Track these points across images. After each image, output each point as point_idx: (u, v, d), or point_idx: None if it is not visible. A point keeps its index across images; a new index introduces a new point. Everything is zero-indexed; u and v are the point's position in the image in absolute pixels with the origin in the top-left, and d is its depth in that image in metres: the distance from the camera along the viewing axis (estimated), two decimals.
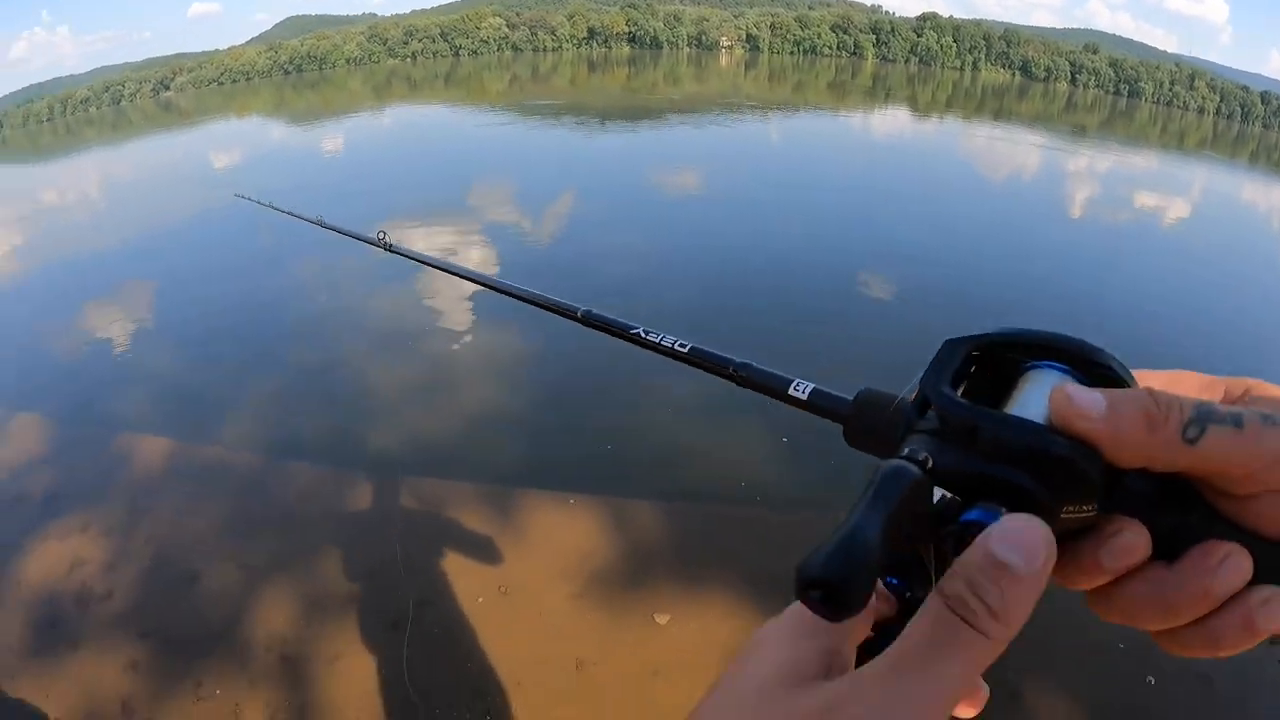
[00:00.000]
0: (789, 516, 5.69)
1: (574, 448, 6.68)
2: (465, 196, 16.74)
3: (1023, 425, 0.43)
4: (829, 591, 0.41)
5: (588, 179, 19.12)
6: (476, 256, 11.95)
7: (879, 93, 65.21)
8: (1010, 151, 29.52)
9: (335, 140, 34.79)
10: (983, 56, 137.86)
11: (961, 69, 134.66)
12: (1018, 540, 0.40)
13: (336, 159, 28.84)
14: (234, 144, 41.44)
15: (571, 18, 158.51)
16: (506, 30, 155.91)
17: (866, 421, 0.56)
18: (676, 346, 0.71)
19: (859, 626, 0.51)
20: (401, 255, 1.17)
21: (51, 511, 6.56)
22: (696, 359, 0.72)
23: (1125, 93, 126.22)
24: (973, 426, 0.44)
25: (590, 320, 0.80)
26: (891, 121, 39.14)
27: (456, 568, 5.18)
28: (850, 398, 0.59)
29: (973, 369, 0.51)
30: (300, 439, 7.23)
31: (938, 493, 0.45)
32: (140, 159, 44.16)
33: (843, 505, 0.41)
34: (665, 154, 23.78)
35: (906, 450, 0.45)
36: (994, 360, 0.50)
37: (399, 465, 6.52)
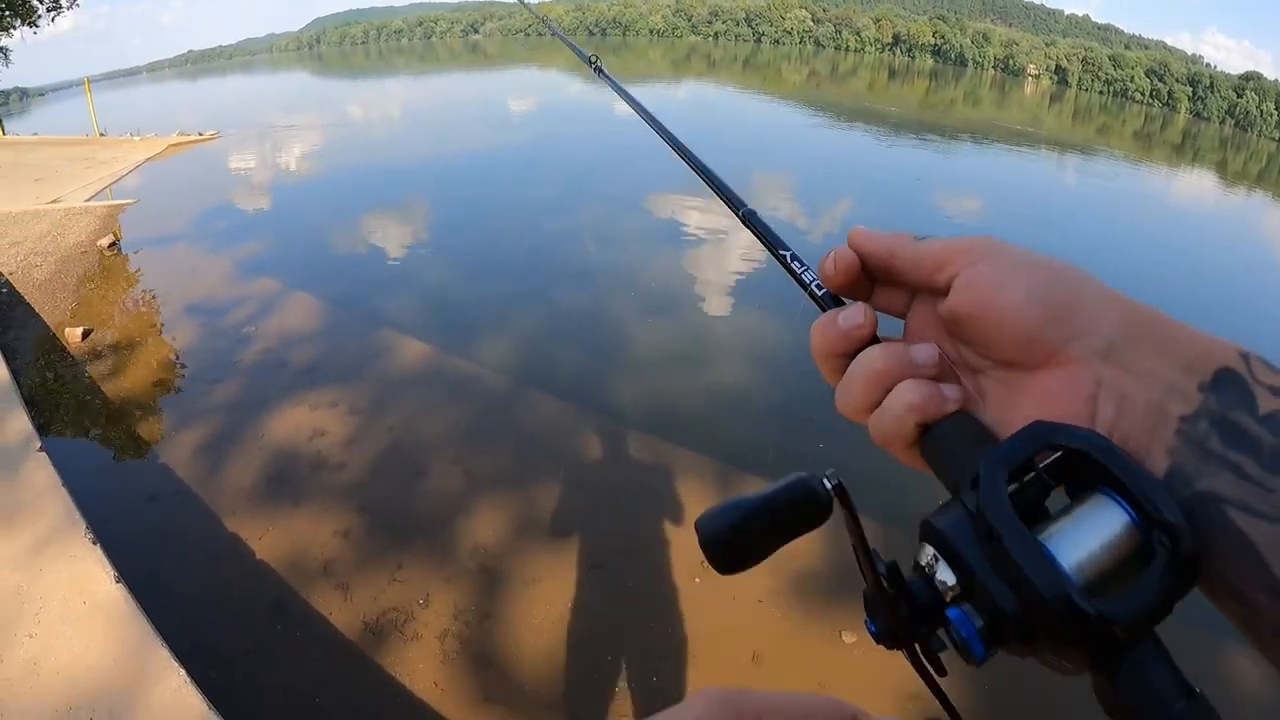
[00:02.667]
0: None
1: (794, 440, 6.48)
2: (747, 180, 16.59)
3: (1041, 565, 0.43)
4: (705, 544, 0.52)
5: (866, 187, 18.65)
6: (747, 239, 11.88)
7: (1187, 151, 60.80)
8: None
9: (627, 105, 35.52)
10: None
11: None
12: None
13: (626, 121, 29.44)
14: (531, 92, 43.00)
15: (878, 21, 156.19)
16: (811, 24, 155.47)
17: (944, 443, 0.54)
18: (814, 286, 0.64)
19: None
20: (607, 79, 1.12)
21: (307, 382, 6.95)
22: (817, 301, 0.65)
23: None
24: (999, 536, 0.44)
25: (748, 222, 0.75)
26: (1194, 185, 36.49)
27: (665, 531, 5.10)
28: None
29: (1060, 453, 0.48)
30: (549, 374, 7.33)
31: (947, 573, 0.47)
32: (443, 92, 46.46)
33: None
34: (949, 176, 22.95)
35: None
36: (1081, 458, 0.47)
37: (635, 420, 6.50)
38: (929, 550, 0.48)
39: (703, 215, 12.90)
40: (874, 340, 0.57)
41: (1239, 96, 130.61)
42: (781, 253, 0.67)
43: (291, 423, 6.25)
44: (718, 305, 9.22)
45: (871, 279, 0.60)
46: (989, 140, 34.31)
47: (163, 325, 8.43)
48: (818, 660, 4.18)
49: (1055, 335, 0.49)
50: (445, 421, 6.38)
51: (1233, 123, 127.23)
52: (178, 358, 7.58)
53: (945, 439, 0.53)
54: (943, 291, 0.55)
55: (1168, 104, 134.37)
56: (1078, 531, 0.45)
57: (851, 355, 0.57)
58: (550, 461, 5.89)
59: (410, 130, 27.09)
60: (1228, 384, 0.45)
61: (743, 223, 0.74)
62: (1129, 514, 0.44)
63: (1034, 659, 0.46)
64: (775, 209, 14.38)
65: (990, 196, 19.24)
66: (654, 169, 16.90)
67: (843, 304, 0.60)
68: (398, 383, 7.01)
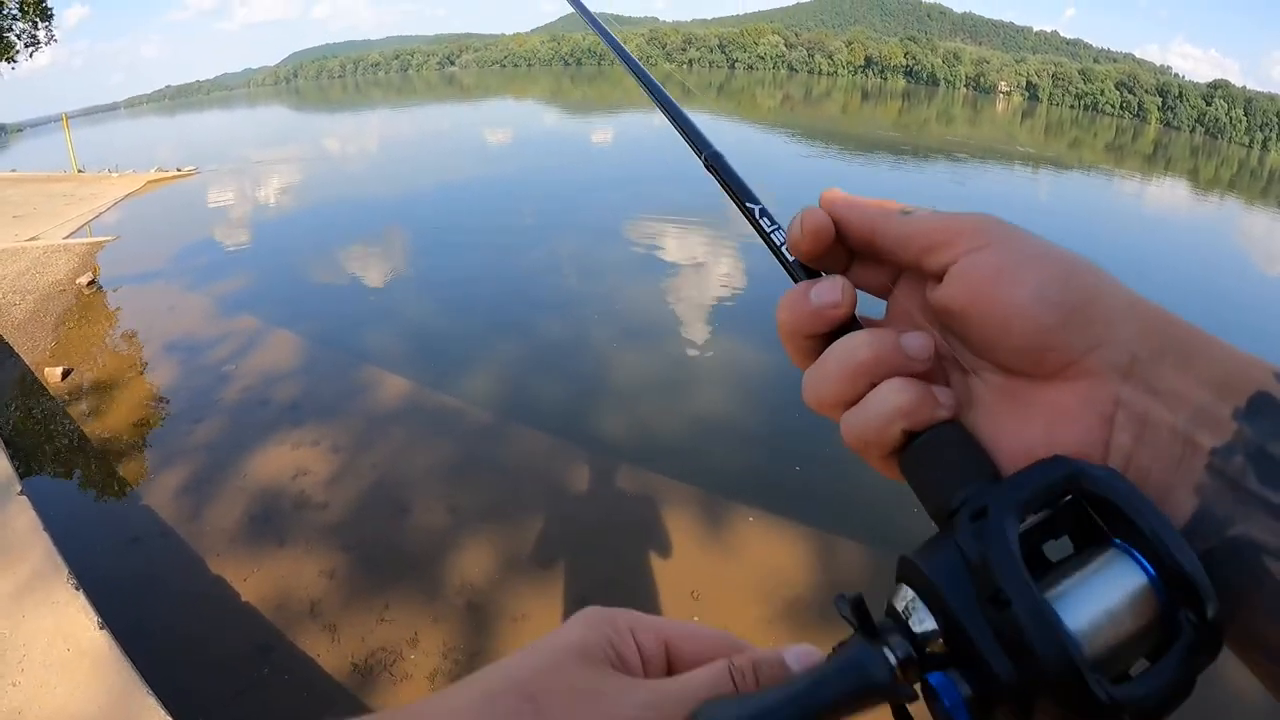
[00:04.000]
0: None
1: (779, 466, 6.46)
2: (723, 205, 16.55)
3: (1052, 639, 0.37)
4: None
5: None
6: (725, 267, 11.91)
7: (1158, 161, 61.23)
8: None
9: (605, 133, 35.64)
10: (1274, 135, 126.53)
11: (1250, 146, 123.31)
12: (810, 663, 0.45)
13: (604, 150, 29.54)
14: (507, 123, 43.10)
15: (850, 44, 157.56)
16: (784, 49, 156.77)
17: (931, 459, 0.47)
18: (785, 250, 0.57)
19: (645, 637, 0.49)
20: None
21: (290, 420, 6.93)
22: (788, 267, 0.58)
23: None
24: (1006, 600, 0.38)
25: (711, 165, 0.68)
26: (1168, 195, 36.75)
27: (653, 560, 5.09)
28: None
29: (1069, 497, 0.43)
30: (532, 407, 7.31)
31: (927, 621, 0.41)
32: (419, 124, 46.56)
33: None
34: (925, 196, 23.02)
35: (887, 644, 0.41)
36: (1098, 504, 0.42)
37: (617, 451, 6.48)
38: (908, 593, 0.42)
39: (680, 244, 12.94)
40: (853, 322, 0.51)
41: (1208, 105, 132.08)
42: (750, 206, 0.61)
43: (274, 462, 6.22)
44: (698, 333, 9.23)
45: (850, 250, 0.54)
46: (963, 158, 34.55)
47: (143, 364, 8.39)
48: None
49: (1071, 343, 0.43)
50: (429, 458, 6.36)
51: (1203, 130, 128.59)
52: (158, 397, 7.55)
53: (932, 453, 0.47)
54: (935, 277, 0.48)
55: (1138, 115, 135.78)
56: (1090, 594, 0.39)
57: (824, 337, 0.51)
58: (535, 495, 5.87)
59: (389, 163, 27.13)
60: (1264, 411, 0.39)
61: (705, 167, 0.67)
62: (1149, 575, 0.39)
63: None
64: (748, 232, 14.41)
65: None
66: (629, 197, 16.99)
67: (818, 275, 0.53)
68: (380, 419, 6.99)
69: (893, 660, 0.40)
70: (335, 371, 8.09)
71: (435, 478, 6.06)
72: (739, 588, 4.82)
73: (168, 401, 7.45)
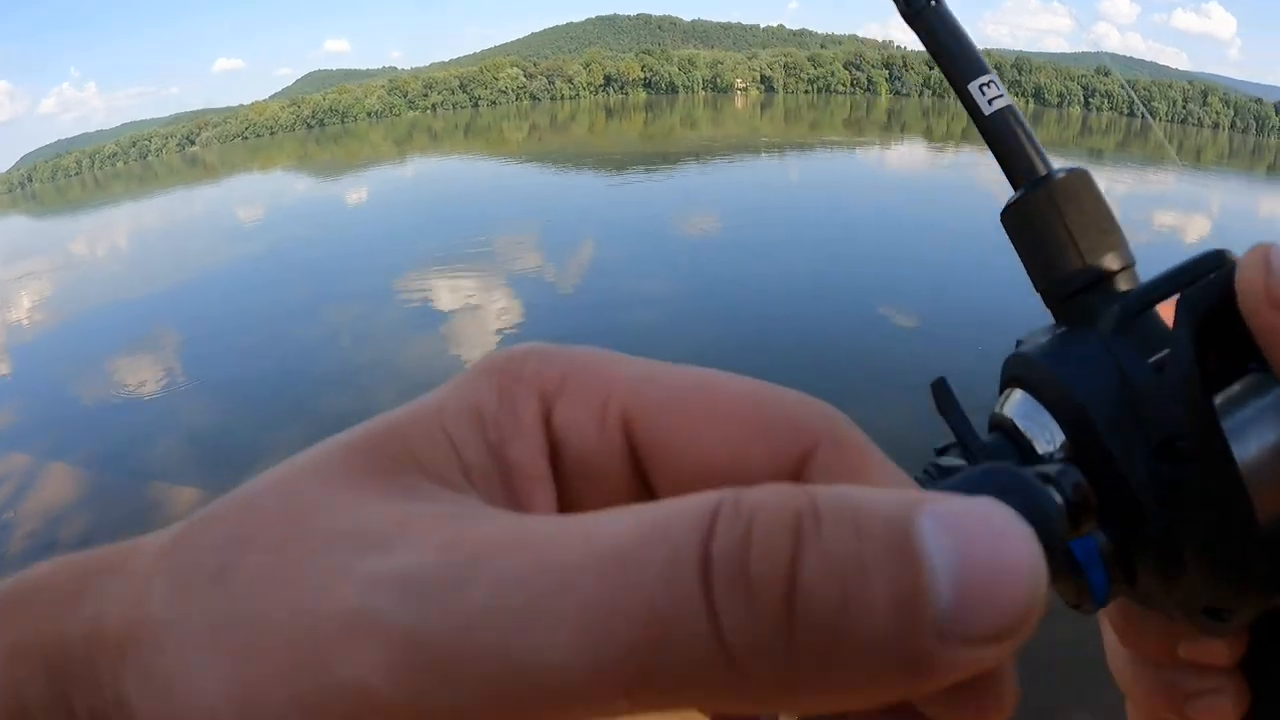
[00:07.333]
0: None
1: None
2: (490, 245, 16.71)
3: (1233, 495, 0.28)
4: None
5: (606, 227, 19.04)
6: (500, 303, 12.07)
7: (894, 127, 65.14)
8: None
9: (359, 193, 35.21)
10: None
11: None
12: (989, 543, 0.15)
13: (360, 210, 29.20)
14: (258, 198, 42.05)
15: (587, 66, 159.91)
16: (524, 80, 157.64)
17: (1045, 205, 0.39)
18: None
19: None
20: None
21: None
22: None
23: (1139, 114, 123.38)
24: (1184, 455, 0.29)
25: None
26: (908, 155, 39.08)
27: None
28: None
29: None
30: None
31: (1055, 440, 0.33)
32: (167, 212, 44.87)
33: None
34: (682, 199, 23.59)
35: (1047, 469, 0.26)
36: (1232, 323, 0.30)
37: None
38: (1030, 404, 0.34)
39: (452, 291, 12.99)
40: None
41: (931, 69, 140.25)
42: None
43: None
44: None
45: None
46: (712, 155, 35.67)
47: None
48: None
49: None
50: None
51: (930, 93, 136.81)
52: None
53: (1053, 204, 0.39)
54: None
55: (869, 89, 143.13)
56: (1262, 429, 0.30)
57: None
58: None
59: (144, 259, 26.09)
60: None
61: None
62: None
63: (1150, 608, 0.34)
64: (525, 266, 14.58)
65: (726, 210, 20.07)
66: (393, 254, 16.90)
67: None
68: None
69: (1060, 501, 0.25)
70: (121, 496, 7.81)
71: None
72: None
73: None
